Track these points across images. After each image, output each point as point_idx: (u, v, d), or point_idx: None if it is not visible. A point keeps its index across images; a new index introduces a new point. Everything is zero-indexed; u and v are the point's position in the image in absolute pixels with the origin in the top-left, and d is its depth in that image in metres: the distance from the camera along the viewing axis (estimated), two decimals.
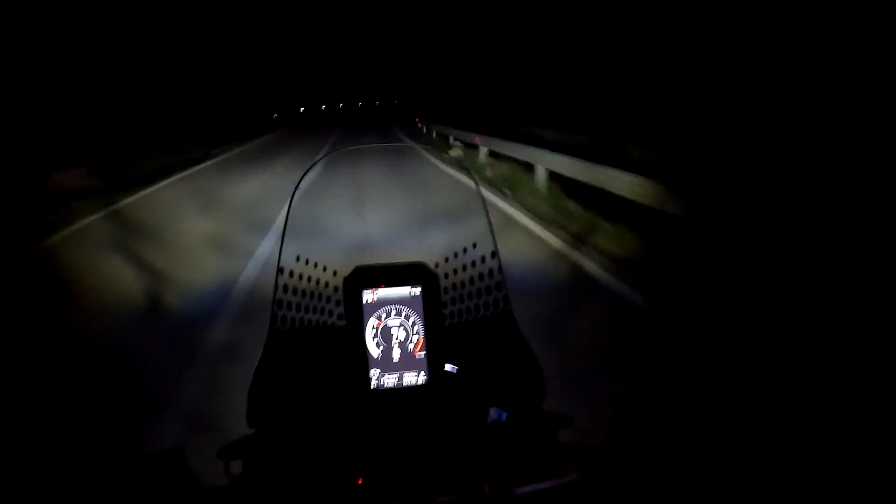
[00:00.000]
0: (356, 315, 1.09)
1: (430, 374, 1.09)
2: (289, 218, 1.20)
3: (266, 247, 5.38)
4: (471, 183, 8.09)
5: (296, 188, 1.24)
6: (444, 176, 10.22)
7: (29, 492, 0.60)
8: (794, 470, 0.63)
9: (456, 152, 13.12)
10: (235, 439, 0.94)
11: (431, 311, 1.10)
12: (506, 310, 1.16)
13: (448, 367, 1.13)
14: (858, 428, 0.64)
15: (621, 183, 5.76)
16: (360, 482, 0.89)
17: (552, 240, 5.58)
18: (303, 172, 1.32)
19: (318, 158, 1.80)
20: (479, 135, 11.87)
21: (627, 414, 0.75)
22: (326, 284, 1.18)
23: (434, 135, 18.04)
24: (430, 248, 4.28)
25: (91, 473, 0.64)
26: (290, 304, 1.13)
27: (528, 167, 8.67)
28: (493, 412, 1.05)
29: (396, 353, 1.09)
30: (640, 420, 0.74)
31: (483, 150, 11.47)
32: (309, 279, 1.16)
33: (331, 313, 1.17)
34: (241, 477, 0.89)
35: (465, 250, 1.20)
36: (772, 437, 0.65)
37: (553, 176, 7.81)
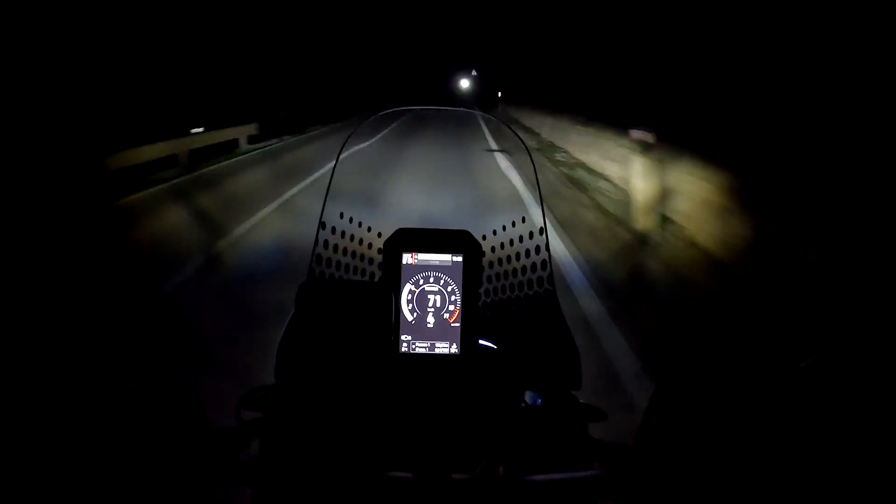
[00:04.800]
0: (394, 277, 1.06)
1: (462, 345, 1.05)
2: (333, 177, 1.18)
3: None
4: None
5: (340, 150, 1.23)
6: None
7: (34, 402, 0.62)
8: (823, 480, 0.55)
9: None
10: (257, 386, 0.95)
11: (471, 281, 1.06)
12: (548, 290, 1.10)
13: (485, 343, 1.09)
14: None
15: None
16: None
17: None
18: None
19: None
20: None
21: (657, 416, 0.67)
22: (370, 245, 1.16)
23: None
24: None
25: (99, 397, 0.65)
26: (329, 260, 1.13)
27: None
28: (528, 396, 1.02)
29: (431, 320, 1.06)
30: (670, 424, 0.66)
31: None
32: (351, 238, 1.15)
33: (372, 275, 1.16)
34: (254, 423, 0.89)
35: (513, 224, 1.15)
36: (804, 448, 0.57)
37: None
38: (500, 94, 18.26)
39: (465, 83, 57.00)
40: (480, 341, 1.08)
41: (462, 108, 14.89)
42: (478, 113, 4.02)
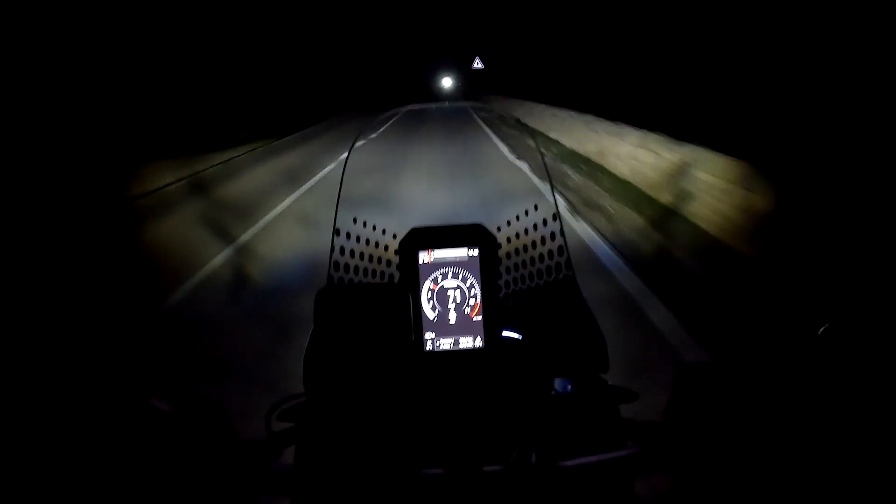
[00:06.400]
0: (412, 276, 1.07)
1: (486, 338, 1.06)
2: (343, 181, 1.19)
3: None
4: None
5: (348, 154, 1.24)
6: None
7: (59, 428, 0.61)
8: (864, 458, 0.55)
9: None
10: (286, 396, 0.97)
11: (489, 273, 1.07)
12: (567, 275, 1.10)
13: (510, 333, 1.09)
14: None
15: None
16: None
17: None
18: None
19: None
20: None
21: (684, 392, 0.68)
22: (386, 247, 1.17)
23: None
24: None
25: (128, 419, 0.66)
26: (347, 266, 1.14)
27: None
28: (558, 383, 1.02)
29: (452, 316, 1.07)
30: (697, 399, 0.67)
31: None
32: (367, 241, 1.16)
33: (391, 277, 1.17)
34: (285, 433, 0.91)
35: (526, 213, 1.15)
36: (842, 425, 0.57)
37: None
38: None
39: (448, 81, 49.77)
40: (505, 332, 1.08)
41: None
42: None
